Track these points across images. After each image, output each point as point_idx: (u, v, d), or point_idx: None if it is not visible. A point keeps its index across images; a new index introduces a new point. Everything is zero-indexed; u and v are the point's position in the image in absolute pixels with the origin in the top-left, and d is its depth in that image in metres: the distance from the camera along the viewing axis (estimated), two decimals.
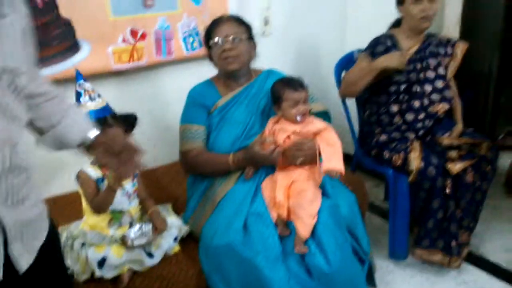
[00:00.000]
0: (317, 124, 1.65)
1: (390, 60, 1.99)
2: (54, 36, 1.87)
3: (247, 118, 1.72)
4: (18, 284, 0.88)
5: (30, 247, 0.88)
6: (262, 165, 1.65)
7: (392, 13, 2.17)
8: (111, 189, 1.45)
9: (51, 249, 0.98)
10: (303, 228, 1.50)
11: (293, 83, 1.62)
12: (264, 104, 1.75)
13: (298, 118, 1.60)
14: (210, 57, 1.79)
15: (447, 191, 1.97)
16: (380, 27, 2.26)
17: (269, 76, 1.80)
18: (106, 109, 1.50)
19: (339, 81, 2.37)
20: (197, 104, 1.76)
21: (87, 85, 1.50)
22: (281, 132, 1.63)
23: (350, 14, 2.90)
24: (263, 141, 1.60)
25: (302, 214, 1.51)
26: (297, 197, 1.56)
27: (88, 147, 1.04)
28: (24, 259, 0.86)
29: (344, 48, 2.85)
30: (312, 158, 1.61)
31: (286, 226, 1.56)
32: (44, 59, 1.87)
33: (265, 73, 1.83)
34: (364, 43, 2.55)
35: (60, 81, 1.95)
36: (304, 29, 2.74)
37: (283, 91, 1.60)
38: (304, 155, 1.60)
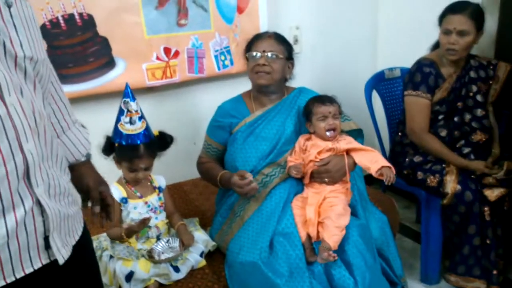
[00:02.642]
0: (353, 143, 1.64)
1: (475, 167, 1.97)
2: (91, 53, 1.96)
3: (276, 135, 1.72)
4: (56, 277, 0.87)
5: (65, 242, 0.87)
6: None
7: (424, 32, 2.14)
8: (121, 237, 1.50)
9: (84, 252, 0.98)
10: (330, 238, 1.47)
11: (322, 98, 1.67)
12: (294, 121, 1.75)
13: (328, 133, 1.60)
14: None
15: (487, 218, 1.91)
16: (412, 45, 2.24)
17: (301, 94, 1.80)
18: (142, 136, 1.46)
19: (369, 100, 2.35)
20: (221, 123, 1.78)
21: (133, 106, 1.44)
22: (314, 147, 1.62)
23: (381, 32, 2.88)
24: (243, 173, 1.57)
25: (329, 225, 1.50)
26: (327, 211, 1.54)
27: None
28: (63, 251, 0.85)
29: (376, 67, 2.83)
30: (341, 175, 1.60)
31: (313, 251, 1.54)
32: (80, 75, 1.95)
33: (296, 91, 1.83)
34: (395, 62, 2.52)
35: (95, 96, 2.03)
36: (333, 47, 2.74)
37: (312, 105, 1.65)
38: (331, 176, 1.59)
